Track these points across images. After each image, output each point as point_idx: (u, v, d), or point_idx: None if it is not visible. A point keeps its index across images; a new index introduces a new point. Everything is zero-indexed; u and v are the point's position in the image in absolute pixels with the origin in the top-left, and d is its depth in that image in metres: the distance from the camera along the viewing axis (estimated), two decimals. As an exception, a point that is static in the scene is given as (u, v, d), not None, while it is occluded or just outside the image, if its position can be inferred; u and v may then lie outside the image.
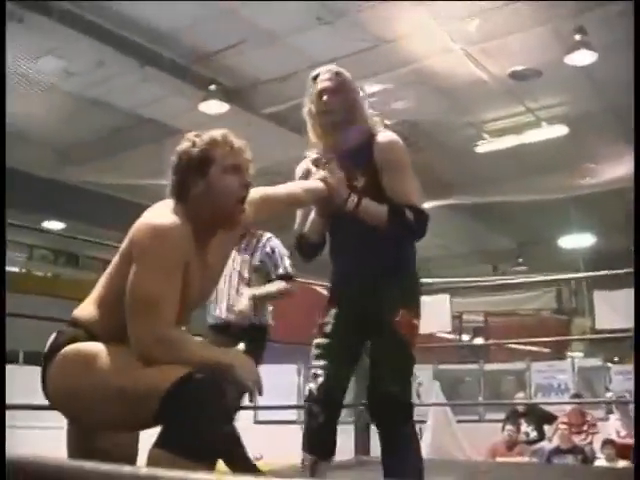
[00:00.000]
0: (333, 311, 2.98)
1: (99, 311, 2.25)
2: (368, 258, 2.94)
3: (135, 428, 2.28)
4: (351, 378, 3.02)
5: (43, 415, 4.29)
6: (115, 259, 2.28)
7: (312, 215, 2.97)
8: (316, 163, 2.86)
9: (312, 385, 2.92)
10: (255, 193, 2.49)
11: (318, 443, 2.97)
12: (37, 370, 2.27)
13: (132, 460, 2.35)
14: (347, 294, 2.97)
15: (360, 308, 2.92)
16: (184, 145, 2.29)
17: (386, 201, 2.85)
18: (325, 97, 2.91)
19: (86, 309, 2.28)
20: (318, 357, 2.95)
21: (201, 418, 2.00)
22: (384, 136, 2.97)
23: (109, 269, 2.30)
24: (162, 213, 2.21)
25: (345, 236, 2.97)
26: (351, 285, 2.96)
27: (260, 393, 2.20)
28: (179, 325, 2.32)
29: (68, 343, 2.20)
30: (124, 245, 2.24)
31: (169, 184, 2.29)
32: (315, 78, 2.96)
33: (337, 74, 2.96)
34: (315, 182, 2.78)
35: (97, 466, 1.08)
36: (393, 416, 2.84)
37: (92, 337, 2.20)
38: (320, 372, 2.91)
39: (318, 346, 2.97)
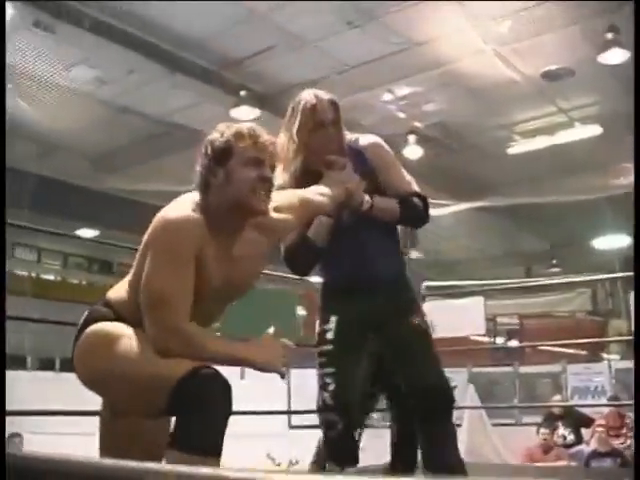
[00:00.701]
0: (334, 317, 2.98)
1: (127, 294, 2.31)
2: (377, 261, 2.95)
3: (148, 415, 2.31)
4: (359, 380, 3.01)
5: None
6: (140, 247, 2.33)
7: (317, 219, 2.92)
8: (331, 166, 2.84)
9: (325, 394, 2.91)
10: (293, 197, 2.52)
11: (342, 451, 2.96)
12: (72, 376, 2.31)
13: (156, 449, 2.38)
14: (353, 298, 2.95)
15: (371, 310, 2.91)
16: (213, 135, 2.33)
17: (390, 195, 2.91)
18: (328, 129, 2.90)
19: (117, 291, 2.36)
20: (325, 365, 2.95)
21: (206, 413, 2.02)
22: (368, 138, 3.02)
23: (136, 256, 2.35)
24: (176, 206, 2.26)
25: (350, 240, 2.96)
26: (359, 289, 2.95)
27: (282, 376, 2.26)
28: (211, 319, 2.38)
29: (96, 322, 2.27)
30: (145, 236, 2.28)
31: (195, 173, 2.33)
32: (313, 106, 2.91)
33: (333, 103, 2.94)
34: (333, 187, 2.75)
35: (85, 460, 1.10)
36: (439, 408, 2.88)
37: (120, 318, 2.27)
38: (330, 380, 2.91)
39: (323, 354, 2.97)
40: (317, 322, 3.04)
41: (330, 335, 2.96)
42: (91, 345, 2.24)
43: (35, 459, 1.15)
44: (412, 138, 10.04)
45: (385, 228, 2.97)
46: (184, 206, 2.24)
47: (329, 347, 2.94)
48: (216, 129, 2.35)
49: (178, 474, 1.03)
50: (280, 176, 2.79)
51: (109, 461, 1.10)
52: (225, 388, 2.09)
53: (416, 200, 2.92)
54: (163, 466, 1.08)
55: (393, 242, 3.06)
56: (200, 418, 2.02)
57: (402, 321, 2.92)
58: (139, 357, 2.13)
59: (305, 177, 2.82)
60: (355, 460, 3.00)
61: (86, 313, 2.33)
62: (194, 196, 2.29)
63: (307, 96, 2.92)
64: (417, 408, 2.93)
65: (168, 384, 2.05)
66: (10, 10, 6.77)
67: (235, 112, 8.84)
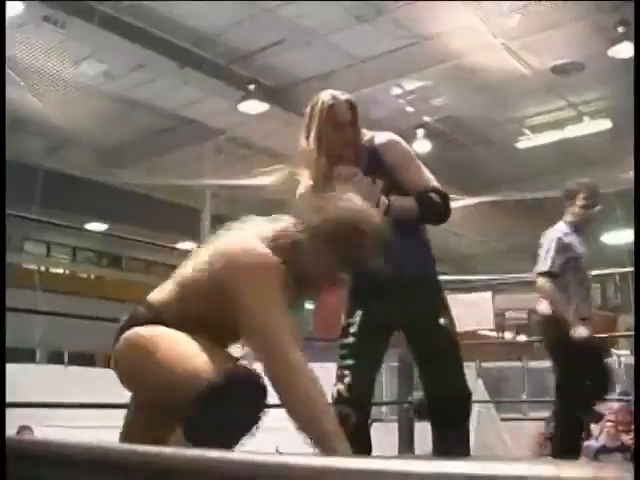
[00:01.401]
0: (359, 311, 2.98)
1: (171, 298, 2.30)
2: (401, 260, 2.93)
3: (176, 415, 2.30)
4: (377, 377, 3.02)
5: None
6: (200, 260, 2.29)
7: None
8: (339, 177, 2.82)
9: (340, 386, 2.91)
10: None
11: (354, 445, 2.97)
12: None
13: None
14: (378, 296, 2.94)
15: (394, 309, 2.90)
16: (340, 215, 2.31)
17: (409, 193, 2.88)
18: (346, 131, 2.88)
19: (160, 294, 2.35)
20: (345, 357, 2.95)
21: (227, 419, 2.02)
22: (384, 137, 2.98)
23: (190, 263, 2.32)
24: (256, 241, 2.24)
25: None
26: (383, 287, 2.93)
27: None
28: None
29: (137, 324, 2.27)
30: (215, 260, 2.23)
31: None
32: (331, 107, 2.89)
33: (352, 105, 2.92)
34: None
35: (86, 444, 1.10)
36: (456, 413, 2.89)
37: (161, 321, 2.26)
38: (347, 372, 2.91)
39: (345, 347, 2.97)
40: (343, 317, 3.05)
41: (353, 329, 2.96)
42: (130, 345, 2.25)
43: (34, 444, 1.16)
44: (421, 132, 10.03)
45: (412, 227, 2.95)
46: (261, 244, 2.23)
47: (351, 340, 2.95)
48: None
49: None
50: (306, 179, 2.82)
51: (107, 445, 1.10)
52: (251, 398, 2.08)
53: (434, 197, 2.87)
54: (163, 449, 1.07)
55: (421, 241, 3.05)
56: (220, 423, 2.02)
57: (427, 321, 2.92)
58: (176, 359, 2.13)
59: (329, 178, 2.82)
60: (369, 453, 3.00)
61: (129, 315, 2.33)
62: (263, 232, 2.28)
63: (325, 97, 2.92)
64: (433, 410, 2.95)
65: (200, 382, 2.02)
66: (20, 5, 6.79)
67: (244, 106, 8.84)
